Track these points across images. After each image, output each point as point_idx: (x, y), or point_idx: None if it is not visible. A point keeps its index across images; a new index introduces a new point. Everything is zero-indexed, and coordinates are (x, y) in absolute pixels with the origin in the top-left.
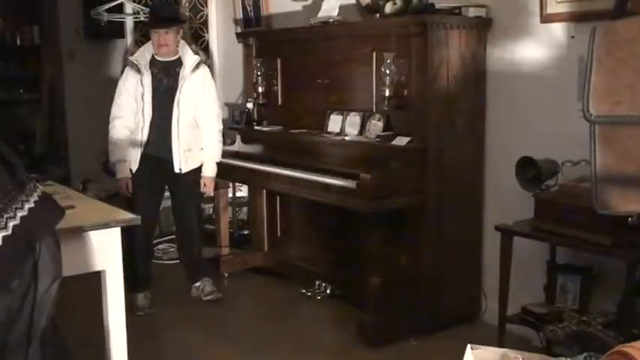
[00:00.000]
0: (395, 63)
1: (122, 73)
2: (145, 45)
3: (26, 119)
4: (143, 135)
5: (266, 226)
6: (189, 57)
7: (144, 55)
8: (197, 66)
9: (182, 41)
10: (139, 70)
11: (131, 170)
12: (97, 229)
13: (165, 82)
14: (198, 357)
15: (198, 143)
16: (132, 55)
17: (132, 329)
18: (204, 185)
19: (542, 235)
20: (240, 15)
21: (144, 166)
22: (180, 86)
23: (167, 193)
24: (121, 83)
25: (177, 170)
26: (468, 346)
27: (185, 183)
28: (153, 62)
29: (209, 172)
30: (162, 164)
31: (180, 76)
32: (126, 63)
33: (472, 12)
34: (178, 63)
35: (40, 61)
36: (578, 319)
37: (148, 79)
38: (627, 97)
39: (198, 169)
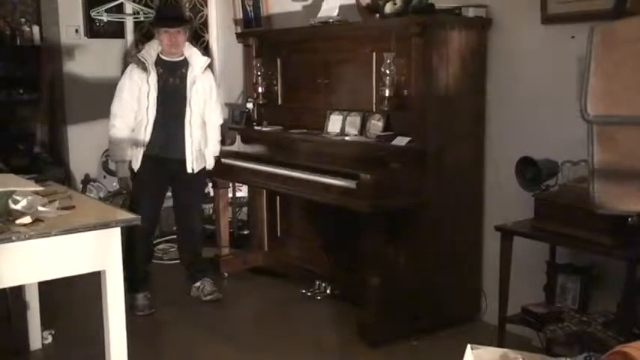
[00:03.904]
0: (395, 63)
1: (124, 71)
2: (151, 44)
3: (26, 119)
4: (146, 134)
5: (266, 226)
6: (198, 57)
7: (150, 53)
8: (207, 66)
9: (187, 42)
10: (145, 69)
11: (132, 169)
12: (97, 229)
13: (171, 82)
14: (198, 357)
15: (205, 143)
16: (135, 53)
17: (132, 329)
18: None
19: (542, 235)
20: (240, 15)
21: (147, 166)
22: (191, 87)
23: (168, 193)
24: (125, 81)
25: (189, 170)
26: (468, 346)
27: (193, 183)
28: (158, 61)
29: (210, 166)
30: (168, 164)
31: (190, 76)
32: (129, 61)
33: (472, 12)
34: (184, 63)
35: (40, 61)
36: (578, 319)
37: (154, 77)
38: (625, 97)
39: (204, 169)
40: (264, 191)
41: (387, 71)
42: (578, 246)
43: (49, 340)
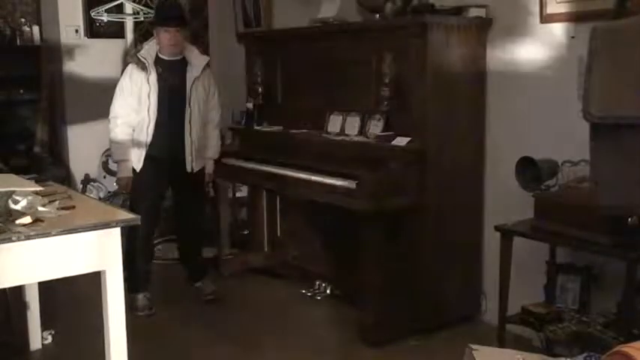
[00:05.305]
0: (395, 63)
1: (123, 71)
2: (150, 43)
3: (26, 119)
4: (148, 134)
5: (266, 226)
6: (198, 56)
7: (149, 53)
8: (206, 65)
9: (185, 41)
10: (145, 68)
11: (134, 169)
12: (97, 229)
13: (171, 82)
14: (198, 357)
15: (205, 142)
16: (134, 53)
17: (132, 329)
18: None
19: (542, 235)
20: (240, 15)
21: (148, 166)
22: (191, 86)
23: (167, 193)
24: (125, 81)
25: (189, 169)
26: (468, 346)
27: (193, 183)
28: (157, 61)
29: (210, 169)
30: (168, 164)
31: (189, 75)
32: (128, 61)
33: (472, 12)
34: (184, 62)
35: (40, 61)
36: (578, 319)
37: (154, 77)
38: (627, 96)
39: (203, 169)
40: (264, 191)
41: (387, 71)
42: (578, 246)
43: (49, 340)
